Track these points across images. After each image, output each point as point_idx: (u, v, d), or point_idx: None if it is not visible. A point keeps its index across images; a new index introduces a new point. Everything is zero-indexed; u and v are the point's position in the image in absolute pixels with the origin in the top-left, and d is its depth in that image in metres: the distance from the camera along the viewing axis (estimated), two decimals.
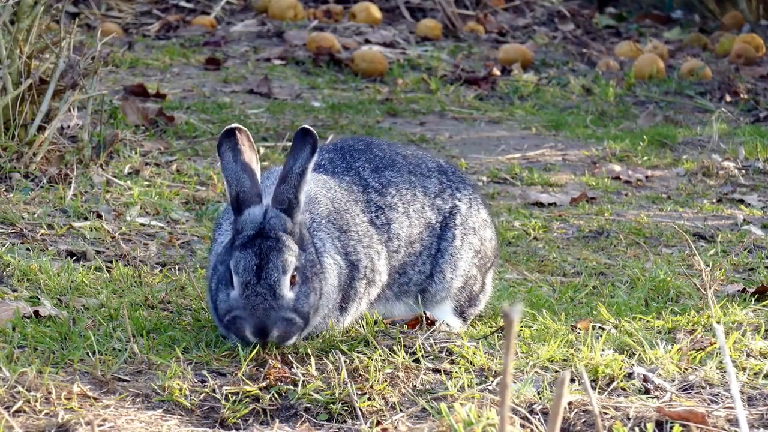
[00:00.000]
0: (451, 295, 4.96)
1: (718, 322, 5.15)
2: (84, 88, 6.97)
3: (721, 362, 4.68)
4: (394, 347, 4.60)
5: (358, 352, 4.54)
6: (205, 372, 4.38)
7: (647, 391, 4.45)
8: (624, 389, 4.46)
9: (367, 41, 12.24)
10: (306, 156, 4.46)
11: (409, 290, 4.91)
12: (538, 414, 4.22)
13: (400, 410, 4.26)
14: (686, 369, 4.64)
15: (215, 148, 5.33)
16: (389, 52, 11.86)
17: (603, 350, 4.69)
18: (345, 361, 4.44)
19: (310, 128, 4.50)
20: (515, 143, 9.19)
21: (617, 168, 8.41)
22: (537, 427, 4.11)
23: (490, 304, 5.38)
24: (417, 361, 4.55)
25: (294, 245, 4.44)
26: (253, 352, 4.44)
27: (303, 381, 4.33)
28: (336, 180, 4.85)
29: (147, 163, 7.33)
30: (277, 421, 4.20)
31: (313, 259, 4.52)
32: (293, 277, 4.41)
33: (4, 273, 5.34)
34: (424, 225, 4.92)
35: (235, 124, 4.64)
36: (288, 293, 4.40)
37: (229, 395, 4.27)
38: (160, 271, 5.60)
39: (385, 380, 4.38)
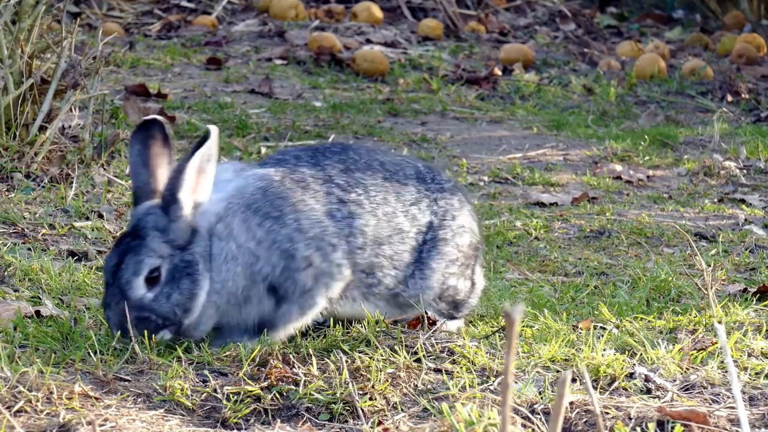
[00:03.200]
0: (427, 304, 4.85)
1: (720, 322, 5.15)
2: (85, 88, 6.97)
3: (722, 362, 4.68)
4: (396, 347, 4.60)
5: (360, 352, 4.54)
6: (206, 372, 4.38)
7: (649, 391, 4.44)
8: (625, 389, 4.46)
9: (369, 41, 12.24)
10: (190, 152, 4.42)
11: (380, 293, 4.77)
12: (539, 414, 4.22)
13: (402, 410, 4.26)
14: (688, 369, 4.64)
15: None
16: (390, 51, 11.86)
17: (604, 350, 4.69)
18: (346, 361, 4.44)
19: (212, 127, 4.45)
20: (516, 143, 9.19)
21: (618, 168, 8.41)
22: (538, 427, 4.11)
23: (491, 304, 5.38)
24: (418, 361, 4.55)
25: (160, 246, 4.42)
26: (254, 352, 4.44)
27: (304, 381, 4.33)
28: (288, 172, 4.70)
29: None
30: (279, 421, 4.20)
31: (192, 260, 4.45)
32: (155, 277, 4.41)
33: (6, 273, 5.34)
34: (394, 230, 4.78)
35: (151, 116, 4.59)
36: (141, 294, 4.40)
37: (231, 395, 4.27)
38: None
39: (387, 380, 4.38)
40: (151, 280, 4.42)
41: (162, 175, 4.53)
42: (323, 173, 4.73)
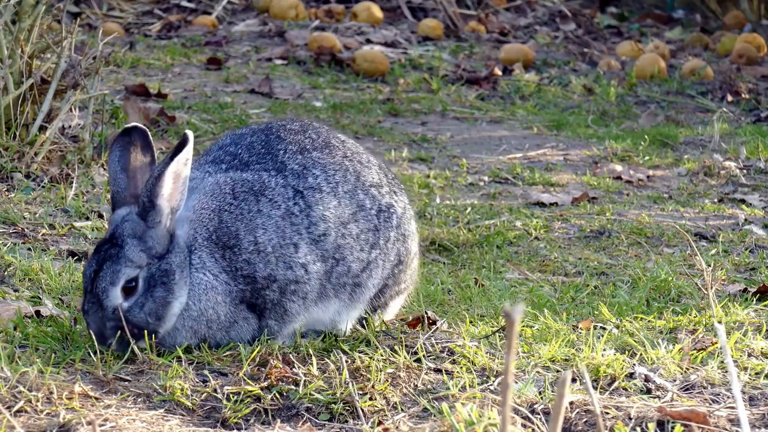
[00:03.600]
0: (368, 299, 4.77)
1: (720, 322, 5.15)
2: (85, 88, 6.97)
3: (722, 362, 4.68)
4: (396, 347, 4.60)
5: (360, 352, 4.54)
6: (206, 372, 4.38)
7: (649, 391, 4.45)
8: (625, 389, 4.46)
9: (369, 41, 12.24)
10: (167, 158, 4.40)
11: (346, 282, 4.70)
12: (539, 414, 4.22)
13: (402, 410, 4.26)
14: (688, 369, 4.64)
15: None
16: (391, 51, 11.86)
17: (604, 350, 4.69)
18: (346, 361, 4.44)
19: (188, 133, 4.43)
20: (517, 143, 9.19)
21: (618, 168, 8.41)
22: (538, 427, 4.11)
23: (491, 304, 5.38)
24: (418, 360, 4.55)
25: (138, 255, 4.41)
26: (254, 353, 4.45)
27: (304, 381, 4.33)
28: (239, 175, 4.66)
29: None
30: (279, 421, 4.20)
31: (169, 269, 4.44)
32: (132, 287, 4.40)
33: (6, 273, 5.34)
34: (357, 206, 4.72)
35: (132, 124, 4.59)
36: (117, 303, 4.39)
37: (231, 395, 4.27)
38: None
39: (387, 380, 4.38)
40: (128, 290, 4.41)
41: (141, 181, 4.53)
42: (276, 162, 4.69)
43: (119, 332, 4.40)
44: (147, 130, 4.59)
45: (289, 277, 4.59)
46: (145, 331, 4.43)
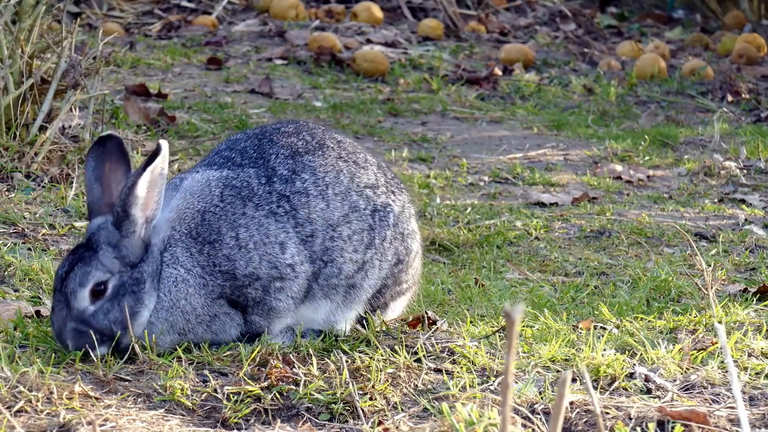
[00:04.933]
0: (365, 300, 4.75)
1: (720, 322, 5.15)
2: (85, 88, 6.97)
3: (722, 362, 4.68)
4: (396, 347, 4.60)
5: (360, 352, 4.54)
6: (206, 372, 4.38)
7: (649, 391, 4.45)
8: (625, 389, 4.46)
9: (369, 41, 12.24)
10: (140, 168, 4.40)
11: (338, 284, 4.68)
12: (539, 414, 4.22)
13: (402, 410, 4.26)
14: (688, 369, 4.64)
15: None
16: (391, 51, 11.86)
17: (604, 350, 4.69)
18: (346, 361, 4.44)
19: (162, 142, 4.43)
20: (517, 143, 9.19)
21: (619, 168, 8.41)
22: (538, 427, 4.11)
23: (491, 304, 5.38)
24: (418, 360, 4.55)
25: (111, 261, 4.42)
26: (255, 353, 4.45)
27: (304, 381, 4.33)
28: (227, 179, 4.65)
29: None
30: (279, 420, 4.20)
31: (140, 278, 4.44)
32: (100, 291, 4.40)
33: (6, 273, 5.34)
34: (349, 207, 4.69)
35: (108, 132, 4.61)
36: (84, 306, 4.39)
37: (231, 395, 4.27)
38: None
39: (387, 380, 4.38)
40: (97, 294, 4.41)
41: (116, 190, 4.54)
42: (266, 168, 4.68)
43: (79, 335, 4.38)
44: (122, 139, 4.60)
45: (273, 275, 4.57)
46: (106, 339, 4.41)
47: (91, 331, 4.39)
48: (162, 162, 4.42)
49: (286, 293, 4.60)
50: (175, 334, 4.52)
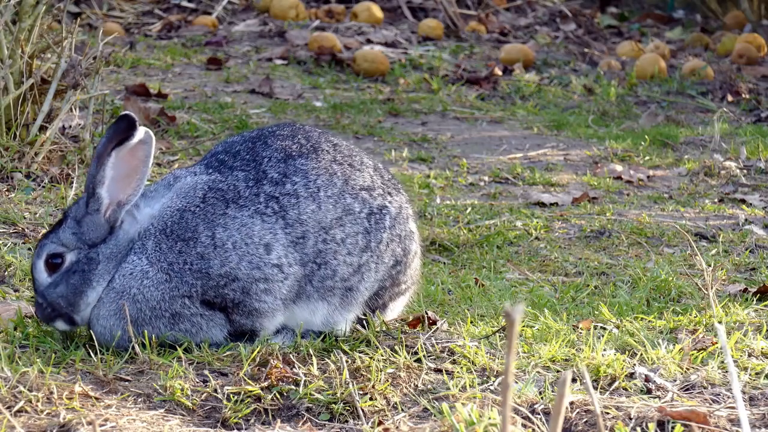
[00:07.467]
0: (363, 302, 4.72)
1: (720, 322, 5.15)
2: (86, 88, 6.97)
3: (722, 362, 4.68)
4: (396, 347, 4.60)
5: (360, 352, 4.54)
6: (206, 372, 4.38)
7: (649, 391, 4.45)
8: (626, 389, 4.46)
9: (369, 41, 12.24)
10: (102, 143, 4.44)
11: (334, 286, 4.64)
12: (539, 414, 4.22)
13: (402, 410, 4.26)
14: (688, 369, 4.64)
15: None
16: (391, 51, 11.86)
17: (605, 350, 4.69)
18: (347, 361, 4.44)
19: (145, 130, 4.45)
20: (517, 143, 9.19)
21: (619, 168, 8.41)
22: (539, 427, 4.11)
23: (491, 304, 5.38)
24: (419, 361, 4.55)
25: (68, 235, 4.49)
26: (255, 352, 4.44)
27: (305, 381, 4.33)
28: (214, 182, 4.63)
29: None
30: (279, 421, 4.20)
31: (95, 258, 4.48)
32: (56, 264, 4.48)
33: (6, 273, 5.34)
34: (343, 210, 4.64)
35: (125, 113, 4.60)
36: (42, 277, 4.51)
37: (231, 395, 4.27)
38: None
39: (387, 380, 4.38)
40: (53, 267, 4.50)
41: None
42: (257, 171, 4.65)
43: (38, 307, 4.51)
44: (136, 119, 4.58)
45: (255, 276, 4.52)
46: (58, 314, 4.51)
47: (45, 303, 4.50)
48: (145, 150, 4.45)
49: (273, 295, 4.55)
50: (126, 321, 4.47)
